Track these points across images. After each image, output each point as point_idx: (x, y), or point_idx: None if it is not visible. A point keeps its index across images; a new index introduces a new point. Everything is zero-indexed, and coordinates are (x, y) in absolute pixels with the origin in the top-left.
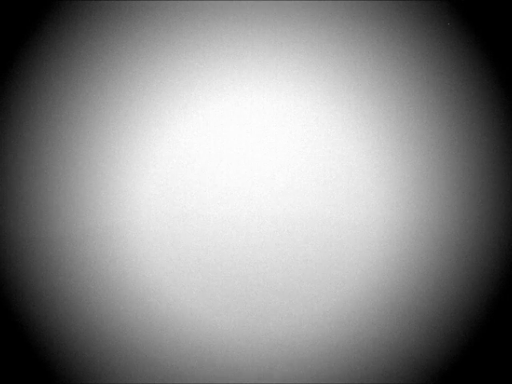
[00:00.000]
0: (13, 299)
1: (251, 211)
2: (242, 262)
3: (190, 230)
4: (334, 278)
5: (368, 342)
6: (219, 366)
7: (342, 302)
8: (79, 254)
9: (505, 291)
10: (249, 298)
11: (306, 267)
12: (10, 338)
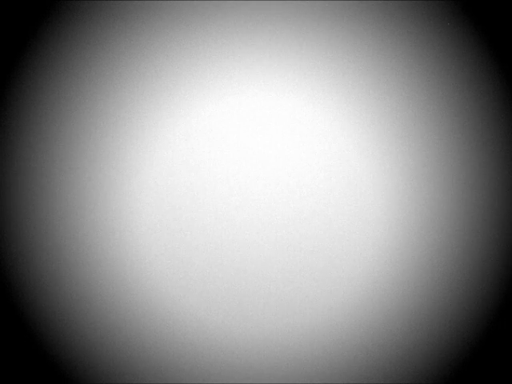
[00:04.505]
0: (12, 300)
1: (251, 212)
2: (242, 263)
3: (190, 230)
4: (335, 278)
5: (369, 341)
6: (219, 365)
7: (344, 302)
8: (77, 256)
9: (507, 290)
10: (249, 298)
11: (307, 267)
12: (10, 337)
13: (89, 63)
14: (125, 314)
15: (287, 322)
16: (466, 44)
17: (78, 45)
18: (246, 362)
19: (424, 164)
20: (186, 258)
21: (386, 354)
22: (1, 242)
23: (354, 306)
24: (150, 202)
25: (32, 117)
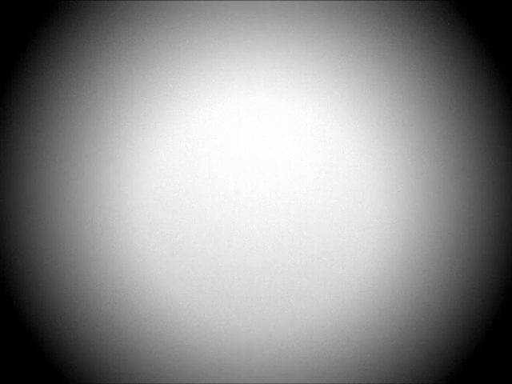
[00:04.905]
0: (11, 301)
1: (251, 212)
2: (242, 264)
3: (190, 230)
4: (336, 277)
5: (369, 341)
6: (219, 365)
7: (344, 301)
8: (77, 256)
9: (508, 291)
10: (249, 298)
11: (307, 266)
12: (9, 337)
13: (88, 64)
14: (124, 315)
15: (288, 322)
16: (465, 44)
17: (78, 46)
18: (246, 362)
19: (424, 164)
20: (186, 258)
21: (387, 354)
22: (0, 242)
23: (354, 307)
24: (150, 203)
25: (32, 117)
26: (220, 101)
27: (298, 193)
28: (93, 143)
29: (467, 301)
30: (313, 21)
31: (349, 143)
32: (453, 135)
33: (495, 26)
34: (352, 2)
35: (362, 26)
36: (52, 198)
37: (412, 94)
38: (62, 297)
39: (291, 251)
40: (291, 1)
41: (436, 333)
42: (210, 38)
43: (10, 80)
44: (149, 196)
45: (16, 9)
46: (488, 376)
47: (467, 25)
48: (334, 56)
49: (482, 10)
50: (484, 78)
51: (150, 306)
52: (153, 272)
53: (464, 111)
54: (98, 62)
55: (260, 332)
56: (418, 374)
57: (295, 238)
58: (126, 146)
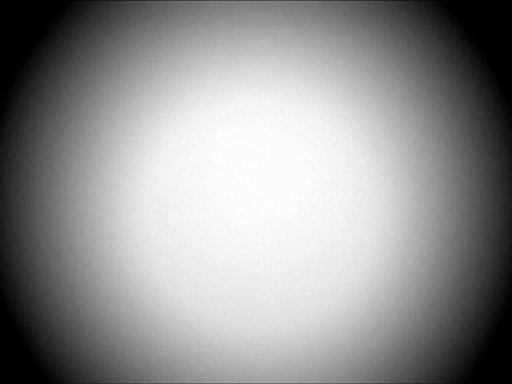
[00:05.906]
0: (9, 303)
1: (252, 212)
2: (243, 264)
3: (190, 229)
4: (338, 279)
5: (370, 343)
6: (219, 367)
7: (346, 303)
8: (76, 256)
9: (509, 293)
10: (250, 299)
11: (309, 267)
12: (8, 337)
13: (89, 66)
14: (124, 316)
15: (288, 322)
16: (465, 44)
17: (78, 46)
18: (246, 362)
19: (426, 166)
20: (187, 259)
21: (388, 355)
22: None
23: (356, 308)
24: (151, 204)
25: (33, 118)
26: (221, 102)
27: (299, 194)
28: (93, 143)
29: (469, 302)
30: (313, 21)
31: (350, 146)
32: (454, 137)
33: (495, 26)
34: (353, 2)
35: (362, 26)
36: (52, 198)
37: (413, 97)
38: (62, 298)
39: (293, 252)
40: (291, 1)
41: (437, 334)
42: (210, 38)
43: (15, 80)
44: (149, 197)
45: (20, 10)
46: (489, 377)
47: (467, 25)
48: (333, 56)
49: (482, 10)
50: (483, 80)
51: (150, 306)
52: (153, 272)
53: (464, 112)
54: (97, 62)
55: (260, 332)
56: (419, 374)
57: (296, 238)
58: (126, 147)
